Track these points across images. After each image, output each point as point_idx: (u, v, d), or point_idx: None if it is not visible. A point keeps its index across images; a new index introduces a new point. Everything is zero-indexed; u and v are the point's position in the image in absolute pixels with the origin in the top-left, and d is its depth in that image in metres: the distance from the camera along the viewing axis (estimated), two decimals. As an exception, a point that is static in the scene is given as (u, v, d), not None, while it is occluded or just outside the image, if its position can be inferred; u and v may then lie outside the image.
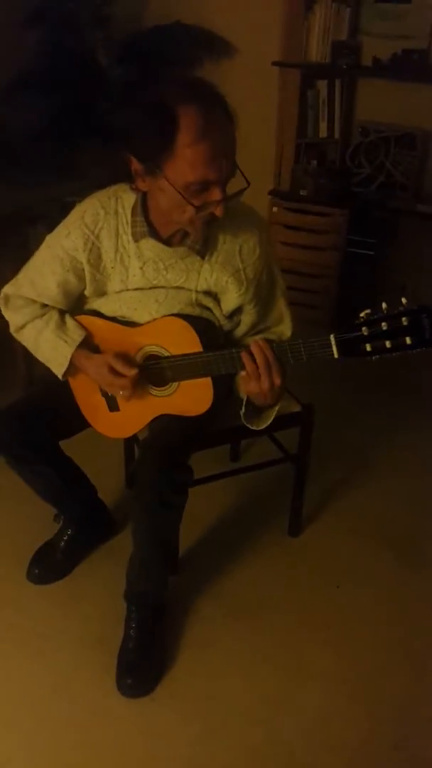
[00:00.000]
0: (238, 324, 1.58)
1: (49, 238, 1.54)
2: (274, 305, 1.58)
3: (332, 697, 1.59)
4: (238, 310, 1.55)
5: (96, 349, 1.57)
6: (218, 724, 1.52)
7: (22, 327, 1.60)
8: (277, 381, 1.37)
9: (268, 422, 1.55)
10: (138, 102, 1.30)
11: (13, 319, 1.61)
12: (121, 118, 1.36)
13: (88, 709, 1.55)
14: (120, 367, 1.47)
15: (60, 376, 1.57)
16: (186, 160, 1.24)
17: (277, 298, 1.58)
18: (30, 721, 1.52)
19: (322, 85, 3.17)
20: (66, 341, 1.54)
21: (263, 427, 1.57)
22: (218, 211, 1.30)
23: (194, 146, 1.23)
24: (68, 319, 1.58)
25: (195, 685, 1.61)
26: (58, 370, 1.57)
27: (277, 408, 1.53)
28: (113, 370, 1.48)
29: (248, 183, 1.33)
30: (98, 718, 1.53)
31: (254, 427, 1.56)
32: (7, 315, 1.62)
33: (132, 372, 1.46)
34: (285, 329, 1.60)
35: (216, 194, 1.28)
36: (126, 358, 1.50)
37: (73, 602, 1.80)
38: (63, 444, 1.73)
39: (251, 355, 1.36)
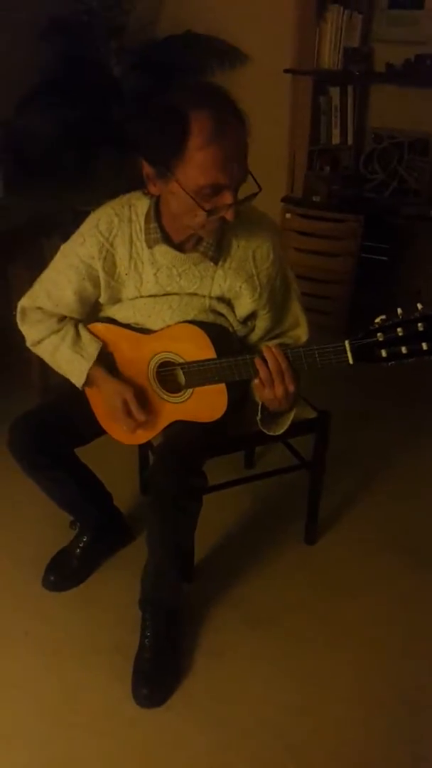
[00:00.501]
0: (252, 329, 1.58)
1: (64, 248, 1.55)
2: (289, 309, 1.59)
3: (350, 706, 1.58)
4: (252, 316, 1.55)
5: (110, 358, 1.57)
6: (234, 733, 1.51)
7: (39, 342, 1.62)
8: (291, 387, 1.37)
9: (285, 427, 1.55)
10: (151, 106, 1.31)
11: (30, 333, 1.62)
12: (135, 123, 1.37)
13: (104, 717, 1.55)
14: (134, 408, 1.52)
15: (80, 387, 1.59)
16: (197, 164, 1.25)
17: (292, 302, 1.58)
18: (45, 729, 1.52)
19: (335, 91, 3.17)
20: (83, 356, 1.56)
21: (280, 432, 1.56)
22: (229, 215, 1.30)
23: (205, 149, 1.23)
24: (83, 332, 1.59)
25: (211, 694, 1.60)
26: (77, 382, 1.58)
27: (293, 413, 1.53)
28: (126, 408, 1.52)
29: (260, 188, 1.34)
30: (113, 726, 1.53)
31: (271, 433, 1.57)
32: (23, 329, 1.63)
33: (141, 418, 1.53)
34: (301, 333, 1.61)
35: (227, 198, 1.28)
36: (142, 399, 1.54)
37: (89, 609, 1.80)
38: (78, 451, 1.73)
39: (265, 361, 1.36)
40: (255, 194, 1.34)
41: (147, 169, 1.34)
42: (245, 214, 1.38)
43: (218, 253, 1.45)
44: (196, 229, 1.38)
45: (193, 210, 1.31)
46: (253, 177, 1.32)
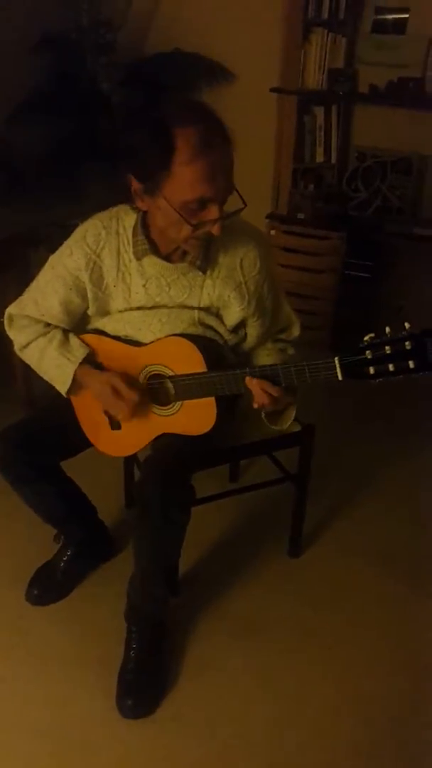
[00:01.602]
0: (244, 338, 1.60)
1: (52, 259, 1.56)
2: (281, 310, 1.63)
3: (334, 719, 1.59)
4: (241, 324, 1.57)
5: (100, 368, 1.58)
6: (219, 745, 1.52)
7: (26, 346, 1.62)
8: (284, 404, 1.43)
9: (290, 420, 1.60)
10: (138, 123, 1.34)
11: (18, 338, 1.63)
12: (122, 140, 1.40)
13: (88, 730, 1.54)
14: (123, 389, 1.49)
15: (64, 394, 1.59)
16: (183, 179, 1.28)
17: (282, 303, 1.63)
18: (29, 744, 1.51)
19: (319, 111, 3.23)
20: (69, 359, 1.56)
21: (287, 425, 1.61)
22: (215, 230, 1.33)
23: (191, 165, 1.26)
24: (72, 337, 1.60)
25: (196, 706, 1.60)
26: (62, 387, 1.58)
27: (295, 407, 1.58)
28: (115, 391, 1.50)
29: (245, 203, 1.37)
30: (98, 739, 1.52)
31: (278, 427, 1.61)
32: (11, 334, 1.64)
33: (133, 396, 1.49)
34: (294, 330, 1.68)
35: (213, 212, 1.31)
36: (130, 380, 1.52)
37: (73, 623, 1.80)
38: (63, 464, 1.73)
39: (254, 382, 1.41)
40: (241, 209, 1.37)
41: (135, 184, 1.36)
42: (231, 224, 1.40)
43: (206, 263, 1.47)
44: (181, 243, 1.40)
45: (179, 224, 1.34)
46: (238, 192, 1.35)
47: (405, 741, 1.54)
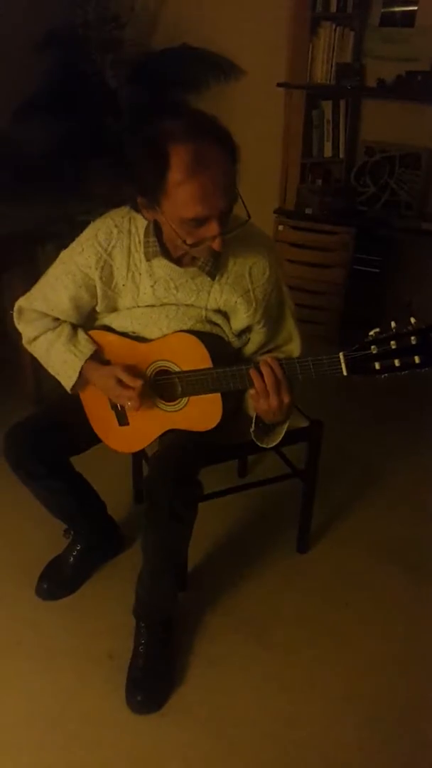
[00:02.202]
0: (247, 342, 1.60)
1: (63, 254, 1.57)
2: (283, 325, 1.60)
3: (340, 713, 1.59)
4: (247, 329, 1.57)
5: (107, 363, 1.59)
6: (228, 741, 1.52)
7: (35, 339, 1.63)
8: (286, 399, 1.40)
9: (278, 440, 1.58)
10: (136, 137, 1.33)
11: (26, 331, 1.64)
12: (125, 153, 1.40)
13: (98, 725, 1.55)
14: (126, 378, 1.49)
15: (68, 389, 1.60)
16: (178, 199, 1.28)
17: (286, 319, 1.60)
18: (39, 737, 1.52)
19: (327, 105, 3.21)
20: (76, 354, 1.57)
21: (273, 444, 1.58)
22: (216, 245, 1.33)
23: (184, 185, 1.26)
24: (80, 332, 1.60)
25: (205, 701, 1.61)
26: (67, 383, 1.59)
27: (286, 425, 1.56)
28: (120, 382, 1.51)
29: (249, 216, 1.37)
30: (108, 734, 1.53)
31: (264, 446, 1.58)
32: (20, 327, 1.65)
33: (138, 384, 1.48)
34: (294, 348, 1.62)
35: (212, 230, 1.31)
36: (133, 370, 1.52)
37: (82, 618, 1.81)
38: (72, 460, 1.74)
39: (260, 372, 1.39)
40: (243, 223, 1.37)
41: (139, 198, 1.37)
42: (242, 231, 1.40)
43: (215, 269, 1.47)
44: (187, 251, 1.41)
45: (179, 239, 1.34)
46: (243, 203, 1.34)
47: (412, 738, 1.54)
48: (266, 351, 1.62)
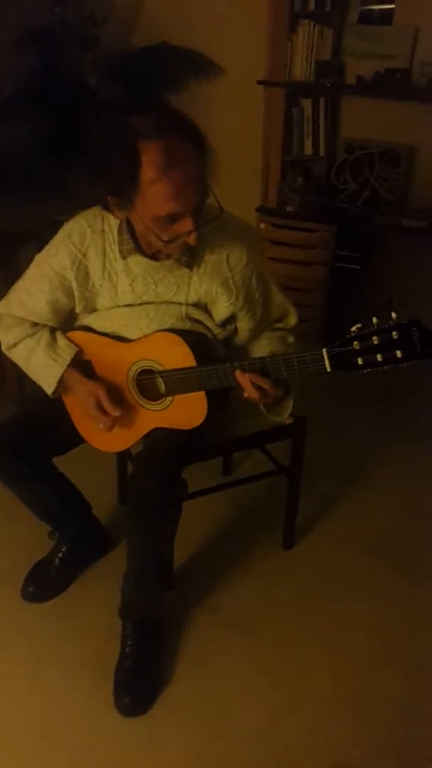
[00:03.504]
0: (235, 332, 1.60)
1: (38, 258, 1.56)
2: (272, 301, 1.61)
3: (330, 709, 1.59)
4: (231, 319, 1.57)
5: (88, 365, 1.58)
6: (217, 739, 1.52)
7: (14, 346, 1.62)
8: (278, 394, 1.42)
9: (288, 411, 1.61)
10: (104, 136, 1.31)
11: (5, 337, 1.63)
12: (91, 155, 1.40)
13: (86, 727, 1.54)
14: (107, 405, 1.50)
15: (50, 395, 1.59)
16: (151, 197, 1.27)
17: (274, 293, 1.61)
18: (26, 742, 1.51)
19: (307, 103, 3.22)
20: (56, 360, 1.56)
21: (286, 415, 1.62)
22: (192, 240, 1.33)
23: (157, 183, 1.25)
24: (59, 337, 1.59)
25: (193, 701, 1.61)
26: (48, 389, 1.58)
27: (291, 398, 1.59)
28: (99, 405, 1.51)
29: (221, 208, 1.38)
30: (96, 736, 1.52)
31: (278, 418, 1.62)
32: None
33: (116, 413, 1.50)
34: (291, 318, 1.65)
35: (186, 225, 1.31)
36: (116, 395, 1.53)
37: (68, 620, 1.80)
38: (56, 461, 1.73)
39: (245, 376, 1.40)
40: (216, 216, 1.38)
41: (109, 197, 1.36)
42: (222, 213, 1.40)
43: (192, 259, 1.47)
44: (162, 249, 1.40)
45: (154, 235, 1.34)
46: (215, 196, 1.34)
47: (403, 731, 1.55)
48: (264, 330, 1.64)
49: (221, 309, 1.53)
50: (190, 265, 1.47)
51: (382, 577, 1.97)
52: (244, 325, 1.59)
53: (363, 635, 1.79)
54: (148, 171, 1.24)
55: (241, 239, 1.51)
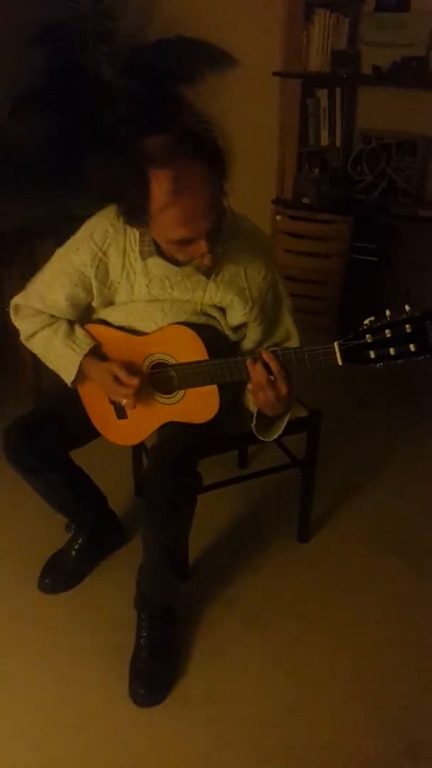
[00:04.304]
0: (243, 337, 1.60)
1: (59, 252, 1.57)
2: (280, 323, 1.60)
3: (344, 702, 1.60)
4: (243, 325, 1.57)
5: (105, 358, 1.59)
6: (231, 731, 1.53)
7: (32, 335, 1.64)
8: (284, 390, 1.40)
9: (279, 432, 1.58)
10: (118, 160, 1.31)
11: (23, 327, 1.65)
12: (104, 177, 1.40)
13: (101, 717, 1.56)
14: (123, 376, 1.50)
15: (69, 384, 1.60)
16: (162, 222, 1.29)
17: (283, 316, 1.60)
18: (42, 730, 1.53)
19: (323, 93, 3.19)
20: (74, 349, 1.57)
21: (274, 437, 1.59)
22: (206, 261, 1.33)
23: (166, 210, 1.25)
24: (77, 327, 1.61)
25: (207, 692, 1.62)
26: (68, 378, 1.60)
27: (287, 418, 1.56)
28: (117, 379, 1.51)
29: (239, 230, 1.40)
30: (111, 725, 1.54)
31: (265, 439, 1.59)
32: (17, 323, 1.66)
33: (134, 381, 1.49)
34: (293, 344, 1.61)
35: (200, 248, 1.31)
36: (131, 367, 1.52)
37: (84, 611, 1.82)
38: (72, 454, 1.75)
39: (256, 365, 1.39)
40: (234, 237, 1.39)
41: (126, 217, 1.37)
42: (239, 229, 1.41)
43: (211, 267, 1.46)
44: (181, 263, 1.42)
45: (172, 252, 1.36)
46: (233, 213, 1.34)
47: (415, 725, 1.55)
48: (264, 348, 1.61)
49: (235, 316, 1.54)
50: (208, 274, 1.48)
51: (396, 571, 1.96)
52: (251, 335, 1.58)
53: (377, 629, 1.78)
54: (158, 199, 1.24)
55: (260, 254, 1.51)
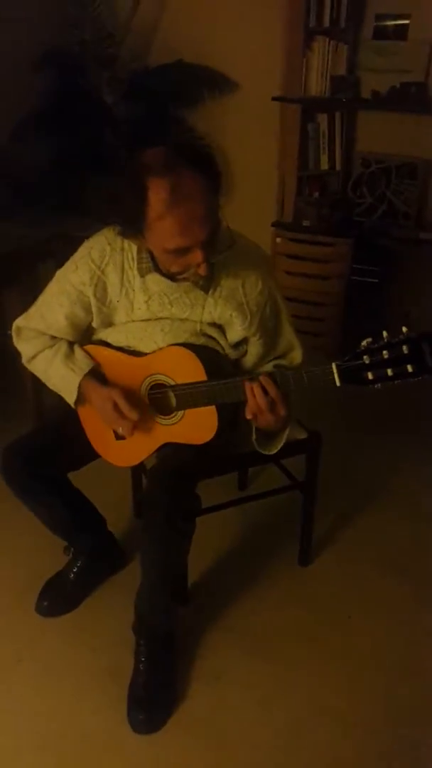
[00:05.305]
0: (244, 353, 1.60)
1: (58, 274, 1.58)
2: (281, 335, 1.61)
3: (345, 729, 1.57)
4: (243, 341, 1.57)
5: (104, 378, 1.59)
6: (230, 757, 1.50)
7: (34, 357, 1.64)
8: (282, 412, 1.40)
9: (279, 446, 1.58)
10: (117, 172, 1.34)
11: (25, 349, 1.65)
12: (99, 191, 1.42)
13: (99, 743, 1.53)
14: (124, 406, 1.50)
15: (72, 405, 1.60)
16: (158, 231, 1.30)
17: (284, 328, 1.60)
18: (38, 757, 1.50)
19: (323, 118, 3.24)
20: (74, 370, 1.57)
21: (275, 451, 1.59)
22: (201, 270, 1.35)
23: (163, 219, 1.27)
24: (77, 349, 1.61)
25: (207, 718, 1.59)
26: (69, 398, 1.59)
27: (287, 432, 1.55)
28: (117, 408, 1.51)
29: (233, 241, 1.43)
30: (109, 752, 1.51)
31: (266, 452, 1.59)
32: (18, 346, 1.66)
33: (134, 415, 1.49)
34: (296, 355, 1.63)
35: (196, 257, 1.33)
36: (133, 398, 1.52)
37: (82, 634, 1.80)
38: (71, 475, 1.74)
39: (255, 390, 1.39)
40: (229, 247, 1.41)
41: (122, 228, 1.39)
42: (236, 245, 1.41)
43: (208, 282, 1.48)
44: (176, 277, 1.43)
45: (166, 264, 1.38)
46: (229, 228, 1.37)
47: (415, 752, 1.52)
48: (268, 362, 1.62)
49: (235, 332, 1.54)
50: (206, 288, 1.49)
51: (399, 595, 1.94)
52: (253, 350, 1.59)
53: (378, 654, 1.76)
54: (155, 207, 1.27)
55: (256, 267, 1.52)
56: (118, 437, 1.64)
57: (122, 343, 1.57)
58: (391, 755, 1.51)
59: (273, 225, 3.31)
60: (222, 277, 1.48)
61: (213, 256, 1.36)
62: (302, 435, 1.81)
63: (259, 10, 3.15)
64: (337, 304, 3.18)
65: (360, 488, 2.39)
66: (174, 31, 3.36)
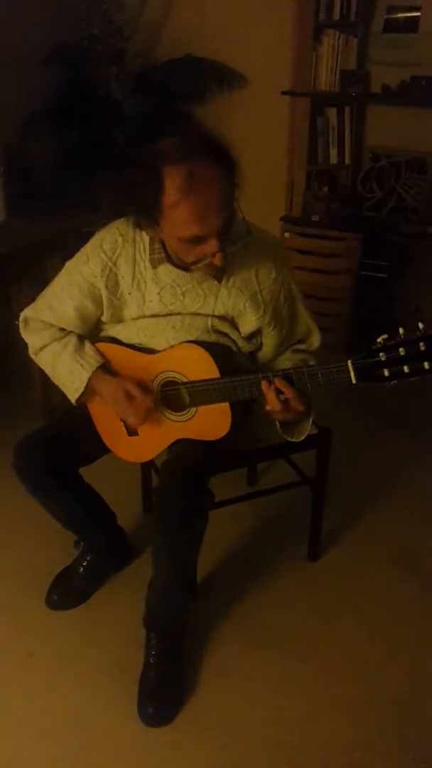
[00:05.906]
0: (259, 347, 1.60)
1: (69, 264, 1.57)
2: (298, 319, 1.61)
3: (355, 724, 1.57)
4: (257, 332, 1.57)
5: (114, 375, 1.59)
6: (240, 751, 1.51)
7: (41, 349, 1.63)
8: (300, 409, 1.41)
9: (306, 433, 1.58)
10: (132, 160, 1.33)
11: (32, 341, 1.64)
12: (114, 181, 1.41)
13: (108, 737, 1.54)
14: (136, 392, 1.49)
15: (73, 401, 1.59)
16: (173, 220, 1.29)
17: (300, 312, 1.61)
18: (49, 750, 1.51)
19: (332, 112, 3.22)
20: (83, 365, 1.56)
21: (302, 438, 1.59)
22: (217, 260, 1.34)
23: (178, 207, 1.26)
24: (87, 343, 1.60)
25: (216, 712, 1.60)
26: (73, 394, 1.58)
27: (311, 418, 1.56)
28: (129, 396, 1.50)
29: (249, 231, 1.40)
30: (118, 746, 1.52)
31: (294, 439, 1.59)
32: (26, 337, 1.65)
33: (146, 400, 1.49)
34: (314, 339, 1.64)
35: (211, 247, 1.32)
36: (143, 385, 1.52)
37: (92, 628, 1.80)
38: (81, 471, 1.74)
39: (270, 391, 1.39)
40: (244, 236, 1.39)
41: (136, 218, 1.38)
42: (250, 234, 1.40)
43: (221, 272, 1.47)
44: (191, 268, 1.42)
45: (182, 254, 1.37)
46: (243, 216, 1.35)
47: (424, 746, 1.52)
48: (286, 348, 1.63)
49: (248, 323, 1.53)
50: (219, 278, 1.48)
51: (407, 591, 1.94)
52: (269, 341, 1.59)
53: (386, 649, 1.76)
54: (171, 195, 1.26)
55: (270, 256, 1.51)
56: (130, 433, 1.64)
57: (133, 340, 1.57)
58: (402, 750, 1.51)
59: (282, 219, 3.30)
60: (236, 266, 1.48)
61: (228, 246, 1.35)
62: (313, 430, 1.80)
63: (269, 3, 3.14)
64: (346, 299, 3.17)
65: (370, 484, 2.39)
66: (182, 25, 3.35)
